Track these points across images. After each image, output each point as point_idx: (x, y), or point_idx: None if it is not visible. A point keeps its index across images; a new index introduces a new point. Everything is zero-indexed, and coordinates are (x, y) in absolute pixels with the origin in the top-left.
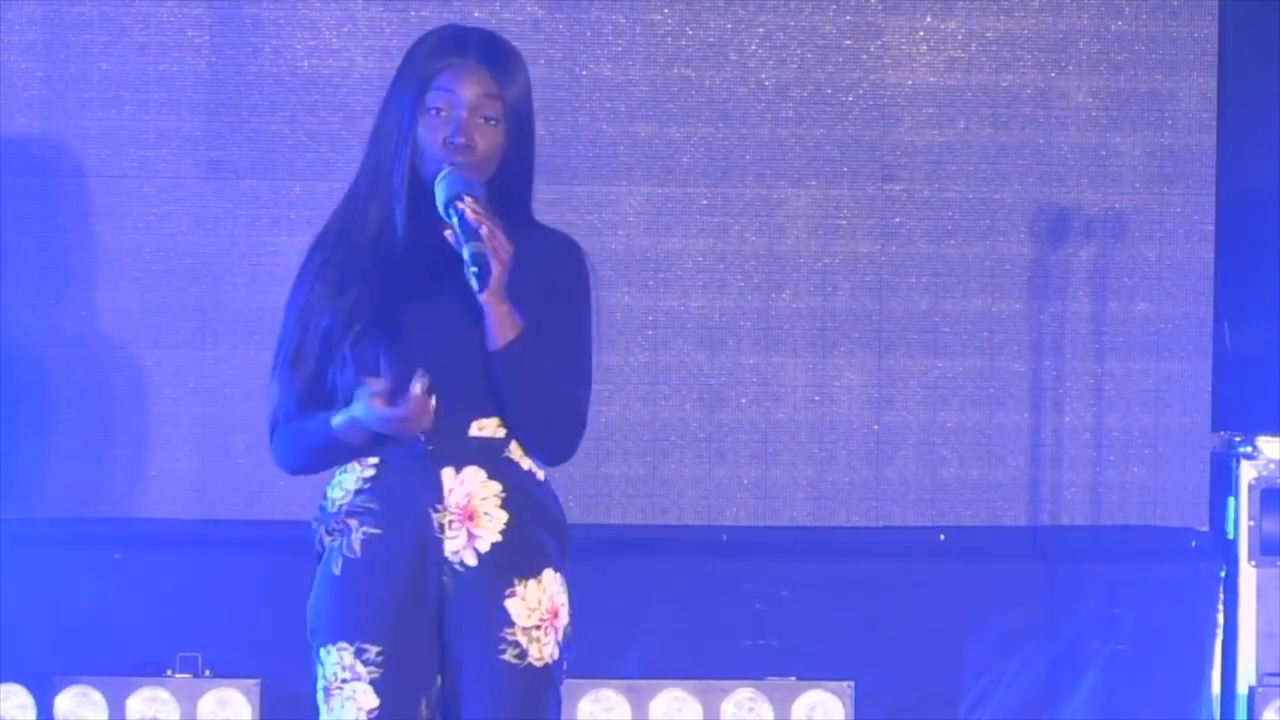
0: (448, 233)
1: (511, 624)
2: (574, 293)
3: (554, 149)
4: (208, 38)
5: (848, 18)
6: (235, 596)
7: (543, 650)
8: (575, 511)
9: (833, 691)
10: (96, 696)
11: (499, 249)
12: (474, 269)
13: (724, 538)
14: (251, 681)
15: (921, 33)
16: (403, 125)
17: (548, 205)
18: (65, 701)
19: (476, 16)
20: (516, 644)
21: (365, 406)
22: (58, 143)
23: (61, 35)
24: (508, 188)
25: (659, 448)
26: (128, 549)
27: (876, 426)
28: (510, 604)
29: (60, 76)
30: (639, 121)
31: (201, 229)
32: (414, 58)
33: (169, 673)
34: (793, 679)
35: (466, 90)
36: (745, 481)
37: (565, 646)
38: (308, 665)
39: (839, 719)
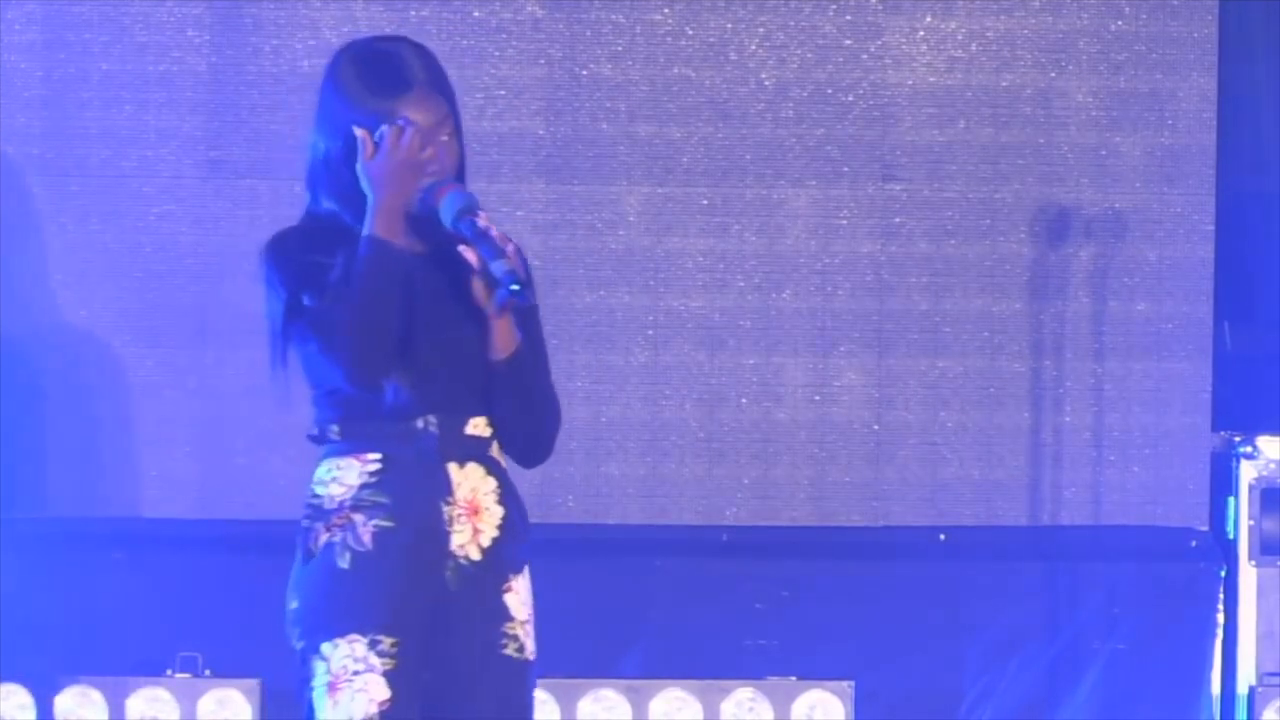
0: (465, 249)
1: (510, 618)
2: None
3: (554, 149)
4: (208, 38)
5: (848, 18)
6: (235, 596)
7: (532, 644)
8: (575, 511)
9: (833, 691)
10: (96, 696)
11: (519, 260)
12: (515, 286)
13: (724, 538)
14: (251, 681)
15: (921, 33)
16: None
17: (548, 205)
18: (65, 701)
19: (476, 16)
20: (515, 638)
21: (364, 164)
22: (58, 143)
23: (61, 35)
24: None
25: (659, 448)
26: (128, 549)
27: (876, 426)
28: (508, 598)
29: (60, 76)
30: (639, 121)
31: (201, 229)
32: (349, 96)
33: (169, 673)
34: (793, 679)
35: (425, 119)
36: (745, 481)
37: None
38: (306, 671)
39: (839, 719)
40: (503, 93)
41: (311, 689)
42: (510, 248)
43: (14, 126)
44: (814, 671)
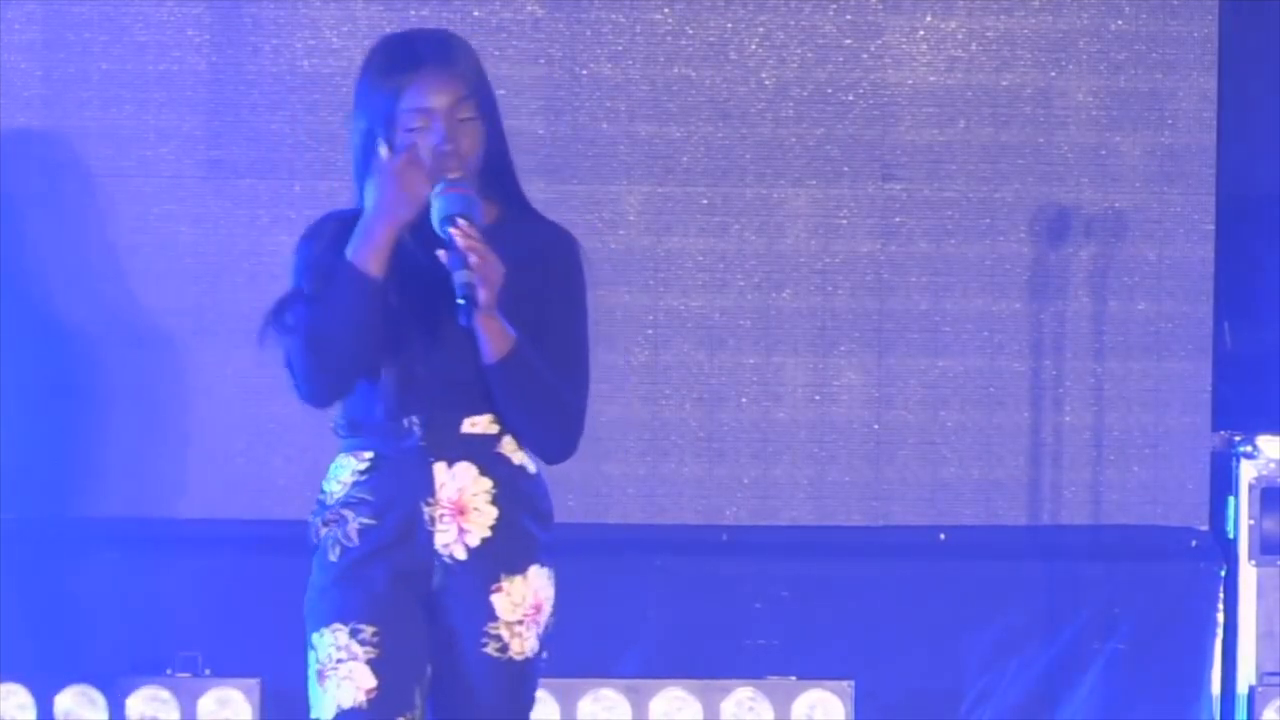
0: (441, 253)
1: (495, 618)
2: (570, 292)
3: (554, 149)
4: (208, 37)
5: (848, 18)
6: (235, 596)
7: (523, 644)
8: (575, 511)
9: (833, 691)
10: (96, 696)
11: (490, 273)
12: (460, 300)
13: (724, 538)
14: (251, 681)
15: (921, 32)
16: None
17: (548, 205)
18: (65, 701)
19: (475, 16)
20: (498, 637)
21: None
22: (58, 143)
23: (61, 35)
24: (499, 178)
25: (659, 448)
26: (128, 549)
27: (876, 426)
28: (496, 599)
29: (60, 76)
30: (639, 121)
31: (201, 229)
32: (368, 83)
33: (169, 672)
34: (793, 679)
35: (436, 100)
36: (745, 481)
37: (545, 639)
38: (306, 664)
39: (839, 719)
40: (503, 92)
41: (307, 678)
42: (474, 260)
43: (14, 126)
44: (814, 671)
